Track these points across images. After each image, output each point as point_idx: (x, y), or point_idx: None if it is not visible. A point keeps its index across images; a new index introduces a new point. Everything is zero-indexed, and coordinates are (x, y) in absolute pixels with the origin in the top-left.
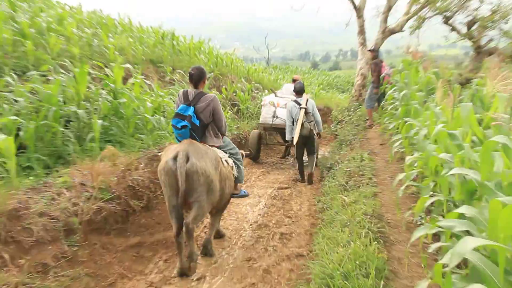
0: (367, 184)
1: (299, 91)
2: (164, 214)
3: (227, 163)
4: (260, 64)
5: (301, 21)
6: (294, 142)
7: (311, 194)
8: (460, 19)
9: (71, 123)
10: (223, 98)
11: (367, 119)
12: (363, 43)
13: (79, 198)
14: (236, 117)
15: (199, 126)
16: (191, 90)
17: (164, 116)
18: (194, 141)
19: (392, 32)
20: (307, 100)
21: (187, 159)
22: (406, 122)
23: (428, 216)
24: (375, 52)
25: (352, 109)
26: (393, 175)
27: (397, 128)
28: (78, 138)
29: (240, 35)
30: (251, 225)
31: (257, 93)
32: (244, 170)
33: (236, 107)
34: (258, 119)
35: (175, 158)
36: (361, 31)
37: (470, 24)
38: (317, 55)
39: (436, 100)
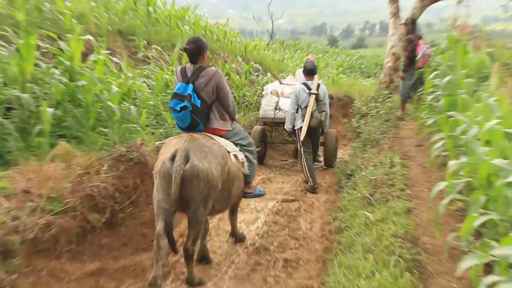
0: (398, 197)
1: (310, 72)
2: (131, 233)
3: (237, 158)
4: (261, 39)
5: None
6: (302, 136)
7: (325, 209)
8: None
9: (12, 111)
10: None
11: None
12: (396, 14)
13: (21, 209)
14: None
15: (201, 107)
16: (190, 66)
17: (135, 105)
18: (196, 135)
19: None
20: (318, 85)
21: (187, 160)
22: (450, 117)
23: (478, 241)
24: (409, 25)
25: (380, 99)
26: (432, 185)
27: (439, 125)
28: (22, 131)
29: (237, 2)
30: (246, 248)
31: (257, 76)
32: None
33: None
34: (257, 110)
35: (173, 158)
36: None
37: None
38: (336, 28)
39: (490, 89)
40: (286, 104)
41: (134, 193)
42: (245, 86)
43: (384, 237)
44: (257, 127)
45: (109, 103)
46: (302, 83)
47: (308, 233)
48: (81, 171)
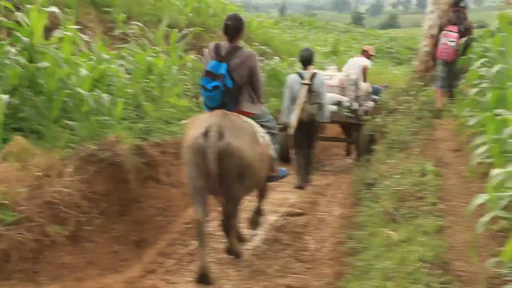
0: (429, 213)
1: (305, 61)
2: (100, 250)
3: (264, 139)
4: (269, 15)
5: None
6: (291, 130)
7: (339, 225)
8: None
9: None
10: None
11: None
12: None
13: None
14: None
15: (233, 88)
16: (225, 44)
17: (110, 93)
18: (228, 112)
19: None
20: (313, 74)
21: (221, 136)
22: (497, 115)
23: None
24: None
25: (413, 92)
26: (471, 199)
27: (483, 125)
28: None
29: None
30: (240, 271)
31: (263, 60)
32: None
33: None
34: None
35: (206, 134)
36: None
37: None
38: (363, 2)
39: None
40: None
41: (105, 202)
42: None
43: (408, 261)
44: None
45: (77, 90)
46: (296, 73)
47: (316, 254)
48: (40, 173)
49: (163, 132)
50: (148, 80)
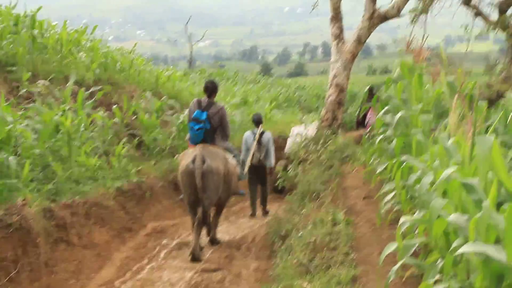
0: (342, 263)
1: (257, 122)
2: None
3: (232, 162)
4: (178, 67)
5: None
6: (245, 171)
7: (255, 279)
8: None
9: None
10: (116, 123)
11: (345, 156)
12: (339, 36)
13: None
14: (137, 154)
15: (210, 129)
16: (204, 99)
17: (16, 154)
18: (206, 145)
19: (385, 18)
20: (262, 132)
21: (203, 161)
22: (403, 162)
23: None
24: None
25: (321, 141)
26: (383, 247)
27: (391, 172)
28: None
29: (147, 20)
30: None
31: (172, 115)
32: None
33: (137, 139)
34: (173, 156)
35: (193, 161)
36: (336, 16)
37: (503, 6)
38: (270, 52)
39: (448, 127)
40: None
41: (14, 268)
42: (156, 128)
43: None
44: (282, 161)
45: None
46: (250, 131)
47: None
48: None
49: (72, 193)
50: (56, 139)
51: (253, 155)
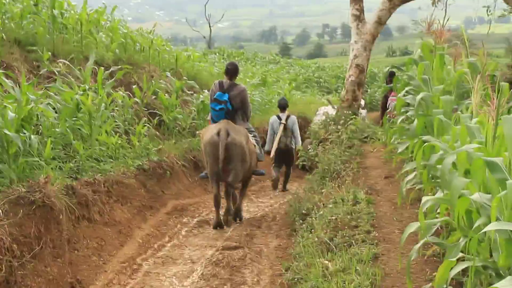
0: (363, 241)
1: (282, 107)
2: None
3: (252, 141)
4: (197, 48)
5: None
6: (271, 154)
7: (275, 257)
8: None
9: None
10: (136, 103)
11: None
12: (360, 17)
13: None
14: (157, 133)
15: (231, 109)
16: (226, 81)
17: (38, 133)
18: (229, 121)
19: None
20: (288, 117)
21: (228, 134)
22: (425, 142)
23: None
24: (387, 78)
25: (341, 121)
26: (404, 226)
27: (412, 152)
28: None
29: (166, 1)
30: None
31: (191, 94)
32: (261, 151)
33: (157, 118)
34: (193, 136)
35: (218, 134)
36: None
37: None
38: (289, 34)
39: (471, 108)
40: None
41: (37, 244)
42: (176, 107)
43: None
44: (307, 141)
45: (4, 131)
46: (276, 115)
47: None
48: None
49: (94, 171)
50: (76, 119)
51: (279, 139)
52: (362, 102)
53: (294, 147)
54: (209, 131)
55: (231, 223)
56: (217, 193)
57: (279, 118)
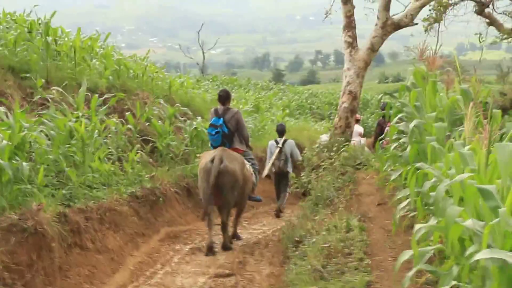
0: (356, 268)
1: (280, 132)
2: None
3: (249, 168)
4: (190, 74)
5: (257, 7)
6: (263, 175)
7: (268, 284)
8: (502, 6)
9: None
10: (129, 130)
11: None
12: (352, 44)
13: None
14: (151, 160)
15: (228, 133)
16: (220, 107)
17: (31, 160)
18: (226, 148)
19: (398, 26)
20: (284, 141)
21: (221, 162)
22: (418, 169)
23: None
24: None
25: (334, 148)
26: (397, 253)
27: (405, 179)
28: None
29: (159, 28)
30: None
31: (185, 121)
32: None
33: (150, 145)
34: (186, 163)
35: (212, 161)
36: (349, 25)
37: None
38: (282, 60)
39: (464, 135)
40: None
41: (29, 272)
42: (169, 134)
43: None
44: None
45: None
46: (274, 140)
47: None
48: None
49: (86, 198)
50: (69, 145)
51: (273, 163)
52: (361, 130)
53: (290, 171)
54: (205, 158)
55: (228, 247)
56: (210, 213)
57: (277, 142)
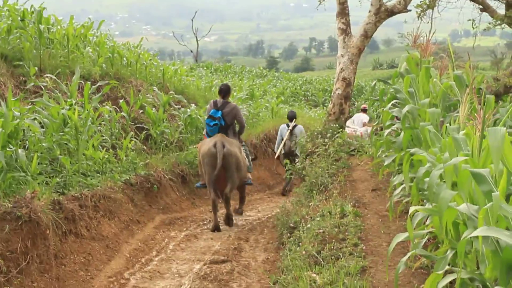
0: (351, 254)
1: (290, 118)
2: None
3: (243, 154)
4: (184, 62)
5: None
6: (276, 156)
7: (263, 271)
8: None
9: None
10: (123, 117)
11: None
12: (346, 30)
13: None
14: (145, 148)
15: (224, 125)
16: (219, 100)
17: (24, 148)
18: (223, 134)
19: (391, 12)
20: (295, 125)
21: (223, 146)
22: (412, 155)
23: None
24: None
25: (329, 134)
26: (391, 239)
27: (399, 165)
28: None
29: (153, 15)
30: None
31: (179, 109)
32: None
33: (144, 132)
34: (180, 150)
35: (215, 145)
36: (342, 12)
37: (510, 0)
38: (276, 47)
39: (458, 120)
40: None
41: (24, 260)
42: (163, 122)
43: None
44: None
45: None
46: (285, 124)
47: None
48: None
49: (81, 186)
50: (63, 133)
51: (285, 143)
52: (366, 119)
53: (298, 154)
54: (206, 144)
55: (232, 223)
56: (215, 198)
57: (288, 126)
